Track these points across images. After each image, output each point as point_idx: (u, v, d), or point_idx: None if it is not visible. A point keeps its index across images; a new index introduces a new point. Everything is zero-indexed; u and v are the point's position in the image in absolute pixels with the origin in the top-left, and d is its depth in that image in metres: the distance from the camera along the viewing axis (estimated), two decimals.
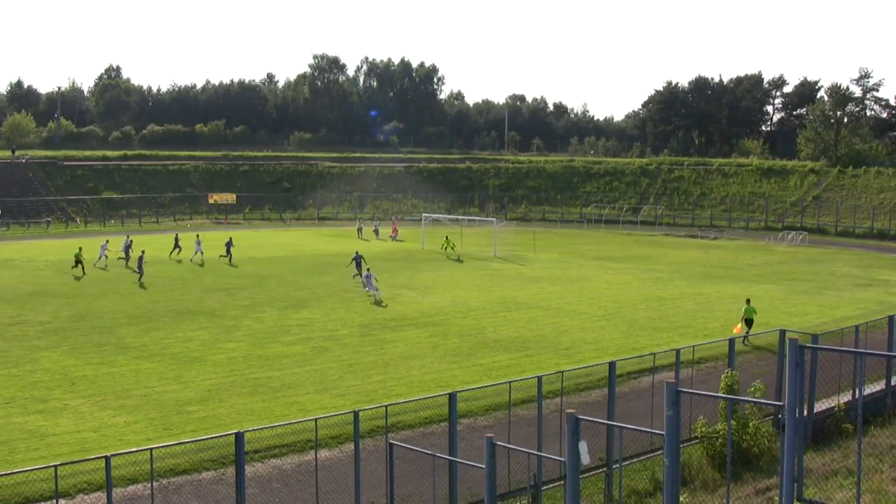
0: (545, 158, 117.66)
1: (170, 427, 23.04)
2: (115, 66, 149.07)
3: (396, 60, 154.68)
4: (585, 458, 10.43)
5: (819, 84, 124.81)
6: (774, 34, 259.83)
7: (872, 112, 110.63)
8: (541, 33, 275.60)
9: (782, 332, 24.57)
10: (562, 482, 17.17)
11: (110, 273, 50.60)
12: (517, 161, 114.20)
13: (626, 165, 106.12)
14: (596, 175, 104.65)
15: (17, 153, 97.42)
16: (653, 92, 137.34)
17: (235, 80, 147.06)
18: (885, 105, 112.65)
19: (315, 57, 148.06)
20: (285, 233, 78.47)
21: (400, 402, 21.81)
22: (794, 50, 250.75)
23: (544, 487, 17.50)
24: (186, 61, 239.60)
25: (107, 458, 14.77)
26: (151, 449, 15.57)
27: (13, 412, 24.27)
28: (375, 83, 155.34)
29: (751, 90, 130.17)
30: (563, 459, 12.88)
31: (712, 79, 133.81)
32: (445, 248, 62.74)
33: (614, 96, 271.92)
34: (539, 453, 17.23)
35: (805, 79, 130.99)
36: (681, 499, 14.39)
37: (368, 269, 45.33)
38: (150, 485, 16.61)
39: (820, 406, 22.09)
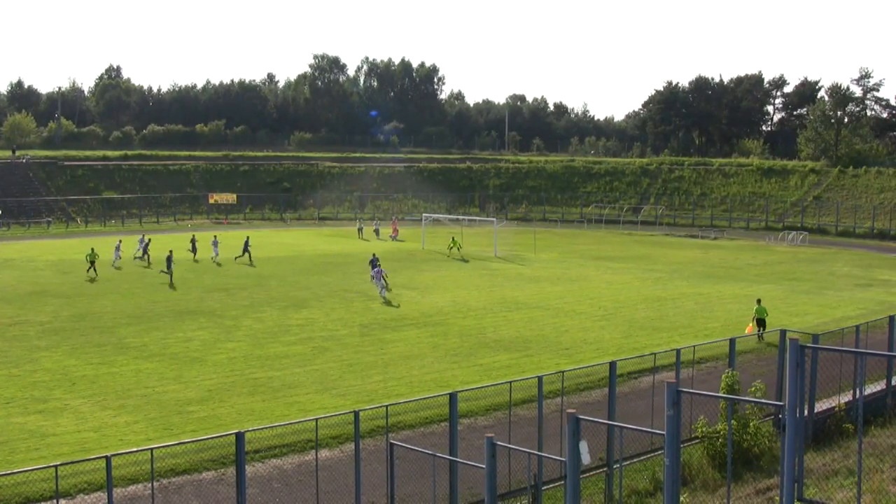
0: (545, 158, 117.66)
1: (170, 427, 23.04)
2: (115, 66, 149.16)
3: (397, 60, 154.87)
4: (586, 458, 10.43)
5: (819, 84, 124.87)
6: (775, 34, 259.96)
7: (873, 112, 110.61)
8: (541, 33, 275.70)
9: (783, 332, 24.56)
10: (562, 482, 17.17)
11: (114, 273, 50.52)
12: (517, 161, 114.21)
13: (627, 165, 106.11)
14: (596, 175, 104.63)
15: (17, 153, 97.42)
16: (653, 92, 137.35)
17: (236, 80, 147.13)
18: (886, 105, 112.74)
19: (315, 57, 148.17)
20: (286, 233, 78.48)
21: (400, 402, 21.81)
22: (794, 50, 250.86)
23: (545, 487, 17.50)
24: (187, 61, 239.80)
25: (107, 458, 14.77)
26: (152, 449, 15.57)
27: (13, 412, 24.27)
28: (376, 83, 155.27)
29: (751, 90, 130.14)
30: (563, 459, 12.88)
31: (712, 79, 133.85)
32: (451, 248, 62.63)
33: (614, 96, 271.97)
34: (539, 453, 17.23)
35: (805, 79, 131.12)
36: (681, 499, 14.39)
37: (379, 267, 45.61)
38: (150, 485, 16.61)
39: (820, 406, 22.08)
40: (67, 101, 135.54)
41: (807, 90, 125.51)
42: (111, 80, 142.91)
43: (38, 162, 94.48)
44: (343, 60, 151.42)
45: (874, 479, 14.51)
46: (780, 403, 10.50)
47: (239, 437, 15.68)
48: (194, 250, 57.82)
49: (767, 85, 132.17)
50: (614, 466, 19.23)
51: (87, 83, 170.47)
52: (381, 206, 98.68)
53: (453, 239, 63.18)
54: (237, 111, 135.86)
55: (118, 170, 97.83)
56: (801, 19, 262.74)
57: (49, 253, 60.59)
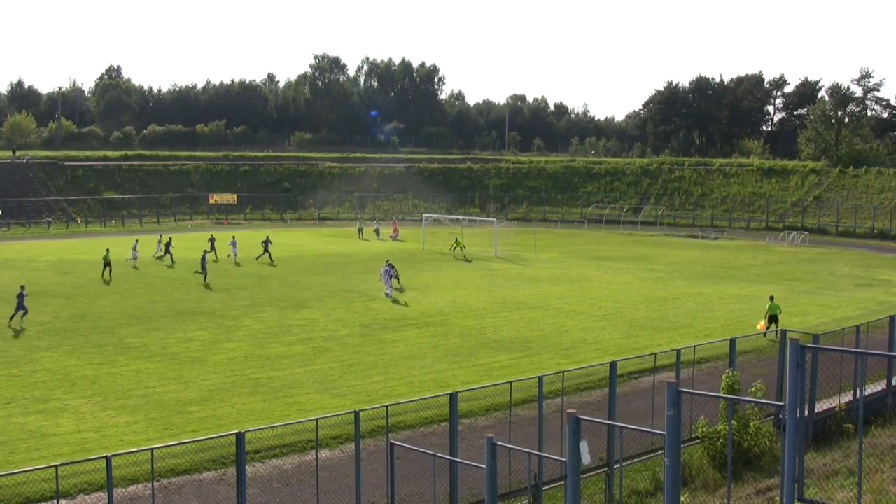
0: (546, 158, 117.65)
1: (170, 427, 23.04)
2: (115, 67, 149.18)
3: (397, 60, 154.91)
4: (586, 458, 10.43)
5: (820, 84, 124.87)
6: (775, 34, 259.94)
7: (873, 112, 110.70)
8: (541, 33, 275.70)
9: (783, 333, 24.58)
10: (562, 482, 17.17)
11: (115, 273, 50.48)
12: (518, 161, 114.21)
13: (627, 165, 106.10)
14: (597, 175, 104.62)
15: (17, 153, 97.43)
16: (653, 92, 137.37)
17: (236, 81, 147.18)
18: (886, 105, 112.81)
19: (316, 57, 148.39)
20: (286, 233, 78.42)
21: (401, 403, 21.80)
22: (794, 50, 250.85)
23: (545, 487, 17.49)
24: (187, 61, 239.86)
25: (107, 459, 14.77)
26: (152, 449, 15.58)
27: (14, 412, 24.28)
28: (376, 83, 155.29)
29: (751, 90, 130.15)
30: (563, 459, 12.88)
31: (713, 79, 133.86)
32: (455, 248, 62.54)
33: (615, 96, 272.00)
34: (540, 453, 17.22)
35: (806, 79, 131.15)
36: (681, 499, 14.38)
37: (388, 267, 45.74)
38: (150, 485, 16.61)
39: (821, 406, 22.07)
40: (68, 102, 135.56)
41: (807, 90, 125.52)
42: (111, 81, 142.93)
43: (39, 162, 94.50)
44: (343, 60, 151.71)
45: (874, 479, 14.51)
46: (781, 404, 10.50)
47: (239, 437, 15.68)
48: (213, 250, 58.02)
49: (768, 85, 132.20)
50: (615, 466, 19.23)
51: (87, 83, 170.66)
52: (382, 207, 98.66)
53: (456, 240, 63.12)
54: (237, 111, 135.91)
55: (118, 170, 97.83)
56: (801, 19, 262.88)
57: (49, 253, 60.59)
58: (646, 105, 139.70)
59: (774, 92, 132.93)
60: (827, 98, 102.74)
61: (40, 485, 17.15)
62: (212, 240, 58.94)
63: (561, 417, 19.29)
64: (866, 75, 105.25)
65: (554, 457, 16.61)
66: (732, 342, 24.22)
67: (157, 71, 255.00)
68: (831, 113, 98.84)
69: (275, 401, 25.57)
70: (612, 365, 21.22)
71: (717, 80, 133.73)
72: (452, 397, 18.52)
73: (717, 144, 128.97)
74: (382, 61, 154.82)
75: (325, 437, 21.27)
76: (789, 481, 9.23)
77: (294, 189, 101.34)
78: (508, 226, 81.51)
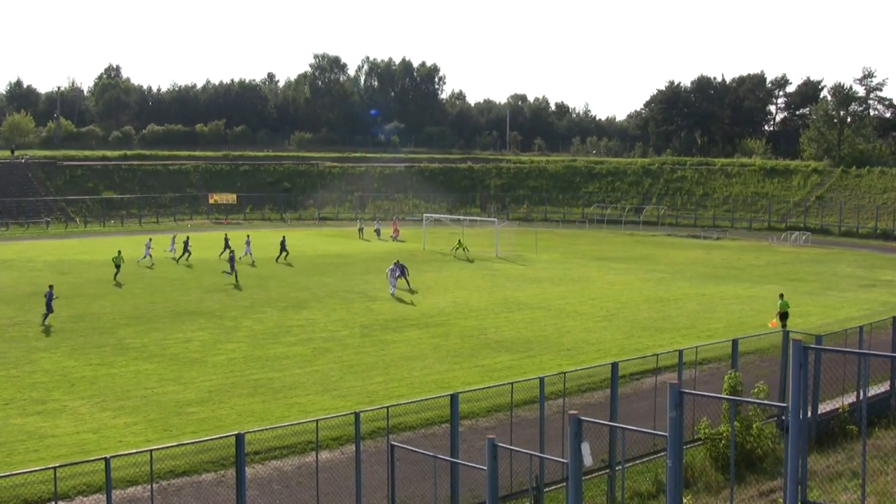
0: (547, 158, 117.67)
1: (169, 428, 23.03)
2: (114, 66, 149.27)
3: (397, 60, 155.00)
4: (588, 460, 10.42)
5: (822, 83, 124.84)
6: (777, 33, 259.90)
7: (876, 112, 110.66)
8: (543, 33, 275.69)
9: (786, 333, 24.55)
10: (564, 484, 17.15)
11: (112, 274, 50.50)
12: (519, 161, 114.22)
13: (629, 165, 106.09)
14: (598, 175, 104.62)
15: (16, 153, 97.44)
16: (655, 91, 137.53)
17: (236, 80, 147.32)
18: (889, 104, 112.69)
19: (316, 56, 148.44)
20: (286, 233, 78.36)
21: (401, 404, 21.80)
22: (797, 49, 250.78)
23: (546, 489, 17.48)
24: (186, 61, 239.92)
25: (106, 460, 14.75)
26: (151, 450, 15.56)
27: (12, 413, 24.26)
28: (376, 83, 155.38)
29: (753, 90, 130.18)
30: (565, 461, 12.86)
31: (715, 78, 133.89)
32: (457, 249, 62.43)
33: (616, 96, 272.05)
34: (541, 455, 17.20)
35: (808, 78, 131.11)
36: (684, 501, 14.37)
37: (394, 266, 46.04)
38: (149, 486, 16.60)
39: (824, 407, 22.04)
40: (66, 101, 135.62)
41: (809, 90, 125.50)
42: (110, 80, 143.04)
43: (37, 162, 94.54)
44: (343, 60, 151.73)
45: (878, 481, 14.48)
46: (784, 405, 10.47)
47: (239, 438, 15.67)
48: (228, 249, 57.93)
49: (770, 84, 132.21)
50: (616, 468, 19.21)
51: (86, 83, 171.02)
52: (382, 207, 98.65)
53: (459, 241, 63.04)
54: (237, 111, 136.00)
55: (117, 170, 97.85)
56: (803, 19, 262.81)
57: (48, 253, 60.58)
58: (647, 105, 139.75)
59: (776, 91, 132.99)
60: (829, 97, 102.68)
61: (38, 486, 17.13)
62: (226, 240, 58.94)
63: (562, 419, 19.27)
64: (869, 75, 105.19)
65: (555, 458, 16.60)
66: (735, 343, 24.20)
67: (157, 70, 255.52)
68: (833, 112, 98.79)
69: (275, 402, 25.55)
70: (614, 366, 21.20)
71: (719, 79, 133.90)
72: (453, 398, 18.50)
73: (719, 144, 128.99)
74: (383, 61, 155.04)
75: (325, 438, 21.25)
76: (792, 483, 9.21)
77: (294, 189, 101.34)
78: (509, 226, 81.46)
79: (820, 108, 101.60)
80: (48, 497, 16.36)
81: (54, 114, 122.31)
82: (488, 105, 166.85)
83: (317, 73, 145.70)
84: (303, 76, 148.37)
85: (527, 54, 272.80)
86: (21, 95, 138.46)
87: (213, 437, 19.53)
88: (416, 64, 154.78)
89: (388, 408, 18.80)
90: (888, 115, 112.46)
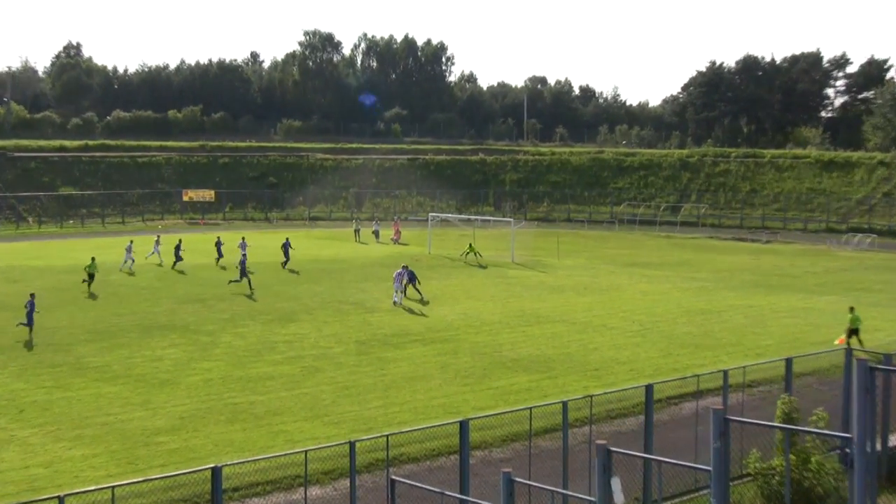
0: (570, 149, 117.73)
1: (135, 461, 22.95)
2: (74, 44, 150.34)
3: (399, 38, 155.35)
4: (619, 497, 10.29)
5: (888, 63, 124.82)
6: (835, 6, 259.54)
7: None
8: (565, 6, 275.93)
9: (848, 352, 24.37)
10: None
11: (70, 281, 50.51)
12: (538, 153, 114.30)
13: (664, 158, 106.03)
14: (629, 169, 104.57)
15: None
16: (694, 73, 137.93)
17: (214, 60, 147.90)
18: None
19: (306, 34, 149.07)
20: (271, 235, 78.46)
21: (403, 432, 21.70)
22: (858, 24, 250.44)
23: None
24: (157, 38, 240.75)
25: (60, 499, 14.63)
26: (113, 487, 15.44)
27: None
28: (375, 63, 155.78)
29: (808, 71, 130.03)
30: (592, 499, 12.70)
31: (763, 58, 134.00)
32: (467, 254, 62.31)
33: (650, 78, 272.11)
34: (564, 491, 17.06)
35: (872, 57, 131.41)
36: None
37: (405, 267, 46.53)
38: None
39: (895, 439, 21.86)
40: (19, 83, 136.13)
41: (874, 70, 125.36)
42: (70, 59, 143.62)
43: None
44: (337, 38, 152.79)
45: None
46: (848, 435, 10.33)
47: (216, 472, 15.57)
48: (220, 254, 58.07)
49: (827, 64, 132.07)
50: None
51: (41, 62, 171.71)
52: (382, 205, 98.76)
53: (470, 245, 62.94)
54: (216, 95, 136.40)
55: (77, 162, 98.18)
56: None
57: None
58: (685, 88, 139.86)
59: (835, 73, 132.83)
60: None
61: None
62: (218, 243, 58.95)
63: (589, 449, 19.12)
64: None
65: (581, 495, 16.43)
66: (789, 362, 24.05)
67: (123, 49, 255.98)
68: None
69: (257, 430, 25.48)
70: (649, 388, 21.10)
71: (768, 59, 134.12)
72: (463, 425, 18.41)
73: (768, 133, 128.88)
74: (382, 38, 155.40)
75: (315, 471, 21.16)
76: None
77: (281, 185, 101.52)
78: (527, 227, 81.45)
79: (886, 91, 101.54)
80: None
81: (4, 97, 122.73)
82: (503, 89, 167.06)
83: (307, 53, 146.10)
84: (291, 56, 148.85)
85: (547, 30, 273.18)
86: None
87: (186, 471, 19.41)
88: (420, 42, 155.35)
89: (387, 436, 18.70)
90: None
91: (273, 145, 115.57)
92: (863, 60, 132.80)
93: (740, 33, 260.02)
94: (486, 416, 23.53)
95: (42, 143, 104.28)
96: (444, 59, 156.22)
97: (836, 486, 19.93)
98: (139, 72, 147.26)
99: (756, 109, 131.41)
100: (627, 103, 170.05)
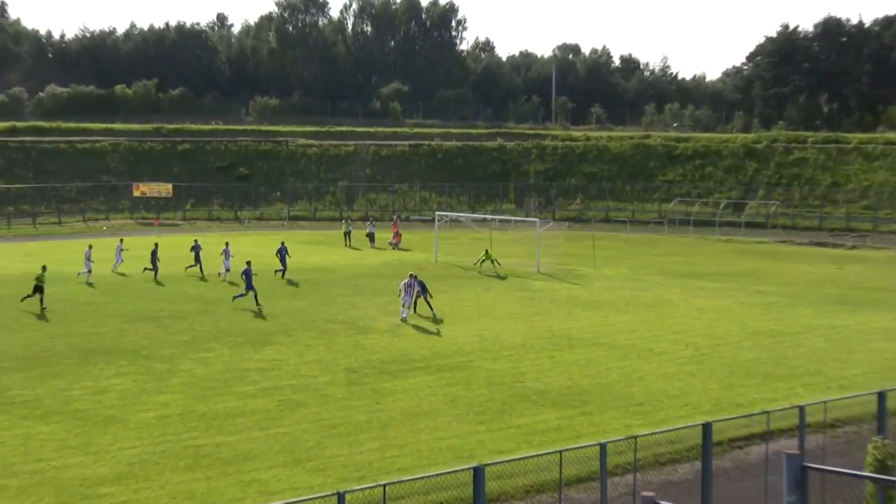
0: (609, 134, 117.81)
1: None
2: None
3: None
4: None
5: None
6: None
7: None
8: None
9: None
10: None
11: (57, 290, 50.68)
12: (569, 137, 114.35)
13: (725, 144, 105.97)
14: (681, 157, 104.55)
15: None
16: (762, 40, 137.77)
17: (172, 24, 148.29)
18: None
19: None
20: (242, 238, 78.56)
21: (403, 481, 21.60)
22: None
23: None
24: None
25: None
26: None
27: None
28: (369, 28, 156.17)
29: None
30: None
31: (848, 20, 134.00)
32: (483, 262, 62.29)
33: (706, 47, 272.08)
34: None
35: None
36: None
37: (413, 276, 47.10)
38: None
39: None
40: None
41: None
42: None
43: None
44: None
45: None
46: None
47: None
48: (198, 261, 58.01)
49: None
50: None
51: None
52: (377, 202, 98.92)
53: (486, 252, 62.91)
54: (174, 67, 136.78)
55: (4, 148, 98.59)
56: None
57: None
58: (751, 58, 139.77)
59: None
60: None
61: None
62: (196, 248, 58.96)
63: (633, 503, 19.01)
64: None
65: None
66: (882, 396, 23.95)
67: (60, 10, 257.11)
68: None
69: (224, 478, 25.42)
70: (706, 427, 21.04)
71: (854, 21, 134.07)
72: (477, 473, 18.35)
73: (854, 113, 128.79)
74: None
75: None
76: None
77: (254, 177, 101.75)
78: (556, 228, 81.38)
79: None
80: None
81: None
82: (526, 59, 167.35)
83: (286, 15, 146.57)
84: (266, 19, 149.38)
85: None
86: None
87: None
88: (424, 3, 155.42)
89: (384, 486, 18.61)
90: None
91: (245, 129, 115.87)
92: None
93: None
94: (506, 462, 23.42)
95: None
96: (454, 24, 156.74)
97: None
98: (79, 38, 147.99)
99: (839, 84, 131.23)
100: (679, 77, 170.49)
